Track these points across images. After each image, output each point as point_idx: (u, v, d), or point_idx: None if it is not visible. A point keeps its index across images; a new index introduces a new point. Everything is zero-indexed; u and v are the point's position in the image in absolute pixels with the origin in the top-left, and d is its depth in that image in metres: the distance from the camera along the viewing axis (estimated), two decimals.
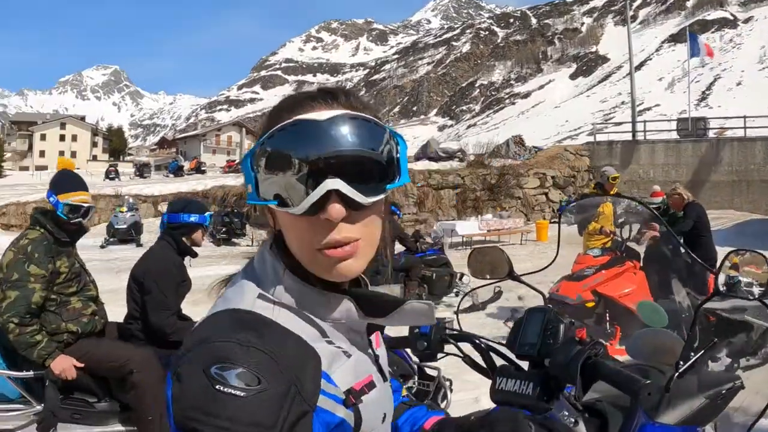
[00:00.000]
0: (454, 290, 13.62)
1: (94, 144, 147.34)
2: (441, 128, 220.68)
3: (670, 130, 43.02)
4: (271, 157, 1.25)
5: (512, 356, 2.02)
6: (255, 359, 1.16)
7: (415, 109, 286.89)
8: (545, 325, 1.93)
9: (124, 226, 26.83)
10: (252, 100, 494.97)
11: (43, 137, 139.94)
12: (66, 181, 5.40)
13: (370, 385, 1.37)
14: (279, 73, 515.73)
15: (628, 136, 40.51)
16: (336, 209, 1.21)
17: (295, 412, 1.16)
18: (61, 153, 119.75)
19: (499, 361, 2.12)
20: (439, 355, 2.31)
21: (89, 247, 22.22)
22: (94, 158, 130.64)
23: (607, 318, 9.09)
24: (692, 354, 2.01)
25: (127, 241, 26.74)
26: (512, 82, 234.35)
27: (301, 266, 1.33)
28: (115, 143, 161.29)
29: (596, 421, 1.97)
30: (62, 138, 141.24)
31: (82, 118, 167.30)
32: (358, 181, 1.24)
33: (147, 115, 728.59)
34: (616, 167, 25.03)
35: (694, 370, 1.97)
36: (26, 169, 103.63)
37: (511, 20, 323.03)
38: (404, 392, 4.58)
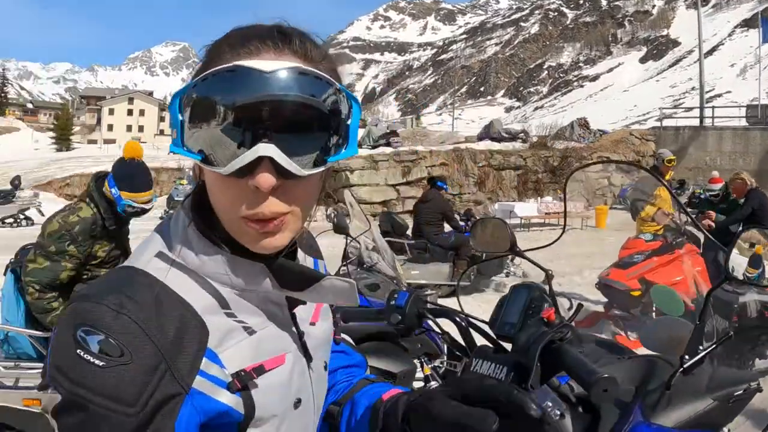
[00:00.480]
0: (504, 271, 13.41)
1: (162, 119, 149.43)
2: (508, 109, 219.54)
3: (739, 117, 42.08)
4: (202, 104, 1.08)
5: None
6: (122, 327, 1.04)
7: (482, 89, 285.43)
8: (528, 304, 1.75)
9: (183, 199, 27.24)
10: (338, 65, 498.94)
11: (111, 112, 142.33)
12: (133, 177, 5.20)
13: (276, 367, 1.22)
14: (347, 51, 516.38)
15: (696, 122, 39.71)
16: (265, 178, 1.06)
17: (162, 393, 1.04)
18: (129, 127, 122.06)
19: (481, 341, 1.98)
20: (417, 332, 2.17)
21: (148, 219, 22.50)
22: (161, 132, 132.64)
23: (654, 308, 8.79)
24: (700, 348, 1.85)
25: None
26: (581, 64, 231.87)
27: (219, 227, 1.19)
28: None
29: (587, 417, 1.81)
30: (130, 112, 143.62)
31: (150, 94, 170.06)
32: (297, 148, 1.08)
33: None
34: (683, 153, 24.53)
35: (703, 367, 1.80)
36: (94, 142, 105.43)
37: (581, 1, 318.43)
38: (427, 370, 4.49)
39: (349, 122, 1.14)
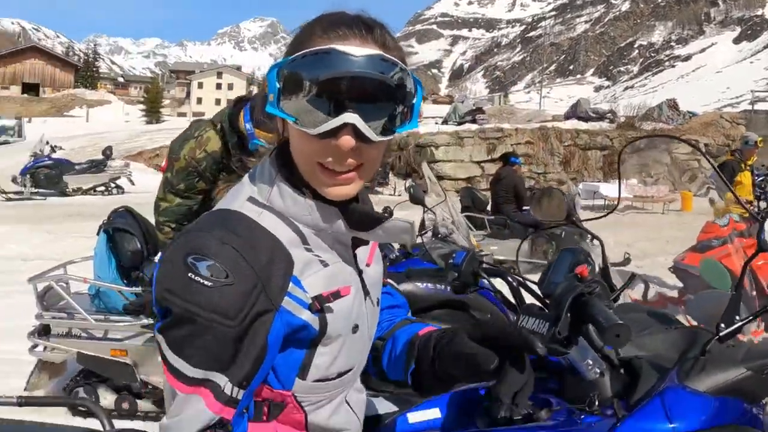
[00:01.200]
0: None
1: (250, 92, 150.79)
2: (597, 89, 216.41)
3: None
4: (300, 77, 1.35)
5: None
6: (226, 255, 1.31)
7: (571, 68, 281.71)
8: (574, 266, 1.90)
9: None
10: (407, 54, 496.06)
11: (200, 85, 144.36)
12: (273, 116, 5.05)
13: (344, 296, 1.49)
14: (434, 27, 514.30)
15: None
16: (347, 140, 1.34)
17: (257, 309, 1.32)
18: (217, 101, 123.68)
19: (530, 300, 2.10)
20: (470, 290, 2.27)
21: None
22: None
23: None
24: (737, 318, 1.93)
25: None
26: (672, 43, 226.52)
27: (298, 177, 1.47)
28: None
29: (626, 378, 1.93)
30: (218, 86, 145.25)
31: (238, 68, 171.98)
32: (372, 119, 1.36)
33: None
34: None
35: (743, 340, 1.88)
36: (184, 115, 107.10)
37: None
38: None
39: (414, 101, 1.42)
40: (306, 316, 1.41)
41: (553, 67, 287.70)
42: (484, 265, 2.07)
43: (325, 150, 1.37)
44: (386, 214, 1.54)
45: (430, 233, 5.85)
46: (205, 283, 1.29)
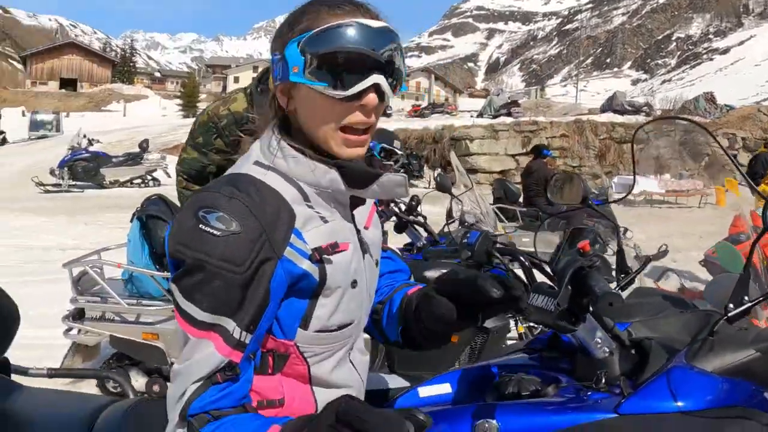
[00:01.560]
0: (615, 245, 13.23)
1: None
2: (634, 82, 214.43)
3: None
4: (326, 47, 1.50)
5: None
6: (234, 207, 1.44)
7: (608, 61, 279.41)
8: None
9: None
10: (443, 47, 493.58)
11: (236, 80, 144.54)
12: None
13: (343, 250, 1.61)
14: (470, 20, 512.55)
15: None
16: (373, 98, 1.53)
17: (262, 257, 1.44)
18: None
19: (541, 279, 2.13)
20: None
21: None
22: None
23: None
24: (745, 299, 1.95)
25: None
26: (710, 36, 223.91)
27: (301, 143, 1.61)
28: None
29: (636, 358, 1.95)
30: None
31: None
32: (389, 80, 1.55)
33: None
34: None
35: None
36: None
37: None
38: (521, 329, 4.63)
39: (405, 68, 1.62)
40: (306, 265, 1.53)
41: (589, 60, 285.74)
42: (498, 245, 2.11)
43: (349, 111, 1.54)
44: (380, 172, 1.66)
45: (456, 222, 5.88)
46: (215, 232, 1.42)
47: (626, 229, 13.24)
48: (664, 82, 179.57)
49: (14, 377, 2.36)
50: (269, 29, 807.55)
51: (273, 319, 1.55)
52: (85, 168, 25.03)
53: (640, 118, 34.42)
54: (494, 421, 1.78)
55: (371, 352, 4.80)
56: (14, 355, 2.37)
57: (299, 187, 1.59)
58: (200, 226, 1.43)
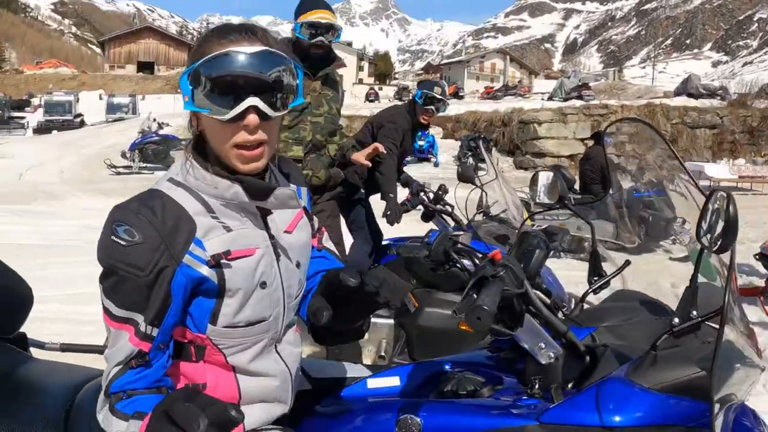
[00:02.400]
0: (671, 237, 12.92)
1: (360, 68, 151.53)
2: (715, 64, 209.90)
3: None
4: (207, 77, 1.70)
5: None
6: (139, 221, 1.68)
7: (688, 42, 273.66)
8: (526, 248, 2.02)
9: None
10: (519, 28, 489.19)
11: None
12: (304, 3, 5.17)
13: (246, 256, 1.80)
14: (547, 0, 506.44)
15: None
16: (252, 119, 1.71)
17: (162, 263, 1.68)
18: None
19: None
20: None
21: None
22: (360, 81, 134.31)
23: None
24: (693, 313, 1.90)
25: None
26: None
27: (211, 160, 1.81)
28: (380, 68, 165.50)
29: (584, 364, 1.97)
30: None
31: (349, 44, 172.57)
32: (270, 99, 1.73)
33: (414, 41, 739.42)
34: None
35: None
36: None
37: None
38: None
39: (296, 81, 1.80)
40: (204, 270, 1.74)
41: (669, 41, 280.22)
42: (459, 246, 2.12)
43: (236, 131, 1.72)
44: (277, 185, 1.88)
45: (482, 213, 5.88)
46: (122, 243, 1.66)
47: (684, 220, 12.92)
48: (745, 64, 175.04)
49: (32, 351, 2.66)
50: (344, 11, 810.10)
51: (179, 314, 1.76)
52: (155, 151, 25.63)
53: (715, 103, 33.67)
54: (417, 418, 1.85)
55: (393, 339, 4.86)
56: (66, 329, 2.50)
57: (203, 200, 1.79)
58: (112, 237, 1.67)
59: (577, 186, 13.13)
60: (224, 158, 1.78)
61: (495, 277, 1.76)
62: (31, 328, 2.60)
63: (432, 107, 6.11)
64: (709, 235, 1.82)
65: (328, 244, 2.26)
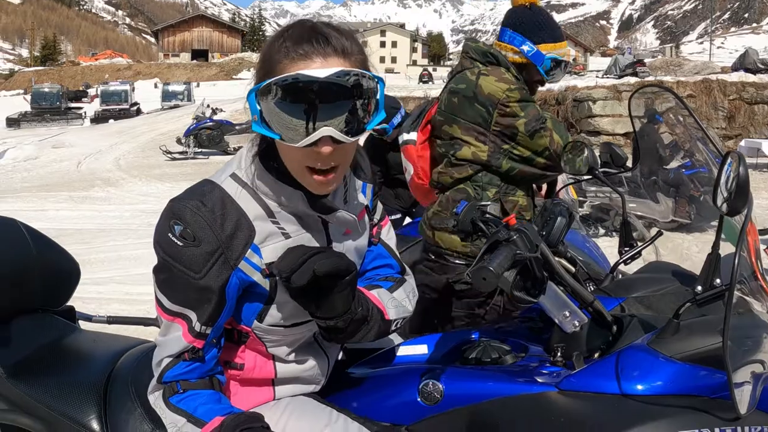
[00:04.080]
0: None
1: (414, 50, 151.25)
2: None
3: None
4: (275, 100, 1.57)
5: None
6: (197, 222, 1.67)
7: (746, 15, 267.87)
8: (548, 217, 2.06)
9: None
10: (573, 5, 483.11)
11: (364, 44, 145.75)
12: (543, 23, 3.77)
13: None
14: None
15: None
16: (326, 149, 1.59)
17: (217, 267, 1.69)
18: (382, 59, 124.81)
19: None
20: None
21: None
22: (414, 63, 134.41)
23: None
24: (717, 281, 1.91)
25: None
26: None
27: (277, 165, 1.73)
28: (434, 48, 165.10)
29: (610, 334, 1.98)
30: (382, 44, 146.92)
31: (402, 26, 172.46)
32: (345, 125, 1.58)
33: (468, 21, 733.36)
34: None
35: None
36: None
37: None
38: None
39: (377, 97, 1.64)
40: (257, 277, 1.75)
41: (726, 16, 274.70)
42: (487, 215, 2.13)
43: (310, 156, 1.62)
44: (364, 198, 1.97)
45: None
46: (178, 243, 1.67)
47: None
48: None
49: (81, 324, 2.78)
50: None
51: (231, 312, 1.79)
52: (209, 136, 25.78)
53: None
54: (440, 384, 1.89)
55: None
56: (120, 309, 2.59)
57: (265, 204, 1.76)
58: (168, 234, 1.68)
59: (629, 163, 12.94)
60: (294, 175, 1.70)
61: (508, 241, 1.78)
62: (89, 308, 2.71)
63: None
64: (726, 200, 1.76)
65: (387, 237, 2.17)
